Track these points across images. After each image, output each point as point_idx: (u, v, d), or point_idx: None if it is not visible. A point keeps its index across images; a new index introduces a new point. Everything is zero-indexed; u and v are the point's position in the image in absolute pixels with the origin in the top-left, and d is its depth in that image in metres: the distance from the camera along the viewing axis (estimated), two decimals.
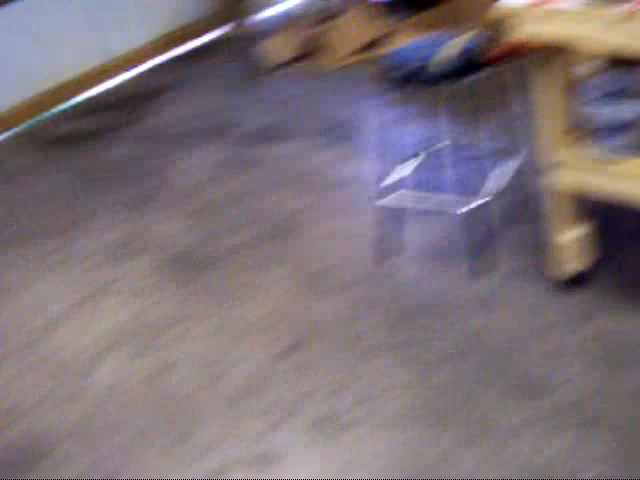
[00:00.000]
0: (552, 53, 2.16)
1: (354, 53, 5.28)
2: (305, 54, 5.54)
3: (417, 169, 3.25)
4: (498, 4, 2.11)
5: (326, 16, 5.51)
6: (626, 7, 1.87)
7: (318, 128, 4.39)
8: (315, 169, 3.92)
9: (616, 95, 2.29)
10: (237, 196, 3.82)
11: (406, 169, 3.08)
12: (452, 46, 2.56)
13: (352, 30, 5.24)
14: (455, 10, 5.02)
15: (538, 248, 2.90)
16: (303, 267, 3.15)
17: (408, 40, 4.59)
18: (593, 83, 2.32)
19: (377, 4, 5.33)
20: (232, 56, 6.02)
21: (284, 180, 3.88)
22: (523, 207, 3.17)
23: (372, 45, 5.29)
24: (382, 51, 4.88)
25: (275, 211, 3.61)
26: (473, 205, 2.72)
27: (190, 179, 4.12)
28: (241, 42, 6.29)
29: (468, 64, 2.53)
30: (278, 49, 5.53)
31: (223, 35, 6.60)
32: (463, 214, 2.76)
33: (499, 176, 2.90)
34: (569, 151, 2.34)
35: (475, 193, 2.73)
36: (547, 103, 2.24)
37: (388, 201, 2.90)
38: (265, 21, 6.70)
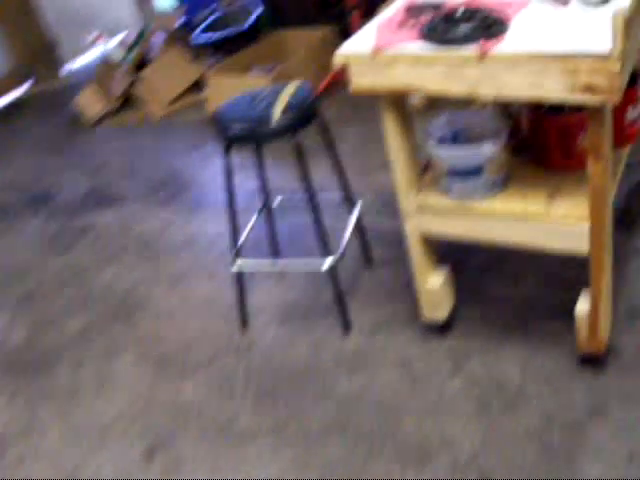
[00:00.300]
0: (399, 97, 2.01)
1: (176, 99, 5.02)
2: (124, 104, 5.22)
3: (261, 225, 3.04)
4: (339, 51, 1.94)
5: (141, 61, 5.21)
6: (480, 47, 1.75)
7: (150, 186, 4.09)
8: (152, 233, 3.62)
9: (462, 137, 2.19)
10: (68, 275, 3.45)
11: (248, 226, 2.86)
12: (281, 100, 2.37)
13: (171, 75, 4.98)
14: (269, 48, 4.91)
15: (402, 294, 2.78)
16: (155, 348, 2.86)
17: (231, 85, 4.40)
18: (436, 124, 2.21)
19: (192, 46, 5.10)
20: (44, 114, 5.59)
21: (120, 250, 3.55)
22: (379, 253, 3.05)
23: (194, 87, 5.05)
24: (205, 94, 4.66)
25: (114, 287, 3.28)
26: (328, 261, 2.54)
27: (12, 261, 3.70)
28: (52, 97, 5.88)
29: (301, 116, 2.34)
30: (94, 102, 5.17)
31: (30, 91, 6.14)
32: (319, 272, 2.58)
33: (346, 226, 2.74)
34: (423, 196, 2.21)
35: (326, 247, 2.55)
36: (398, 148, 2.10)
37: (238, 266, 2.66)
38: (76, 72, 6.31)
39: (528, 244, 2.12)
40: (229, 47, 4.84)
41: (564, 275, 2.65)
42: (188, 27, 5.44)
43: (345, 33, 4.79)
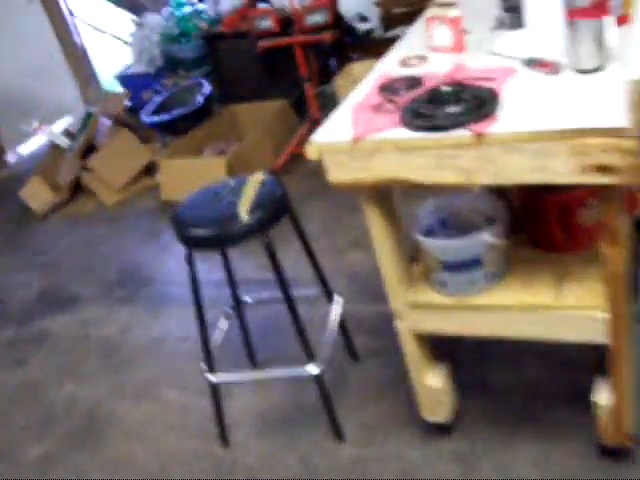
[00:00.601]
0: (383, 189, 1.80)
1: (128, 184, 4.76)
2: (74, 193, 4.94)
3: (232, 323, 2.78)
4: (311, 142, 1.72)
5: (89, 147, 4.96)
6: (473, 129, 1.54)
7: (107, 284, 3.80)
8: (113, 338, 3.33)
9: (452, 224, 1.98)
10: (24, 393, 3.13)
11: (219, 328, 2.60)
12: (246, 196, 2.14)
13: (120, 160, 4.73)
14: (222, 126, 4.72)
15: (394, 390, 2.54)
16: (125, 473, 2.55)
17: (184, 168, 4.18)
18: (422, 212, 2.00)
19: (140, 128, 4.88)
20: None
21: (79, 360, 3.25)
22: (362, 342, 2.81)
23: (146, 171, 4.81)
24: (158, 179, 4.42)
25: (75, 405, 2.97)
26: (313, 369, 2.28)
27: None
28: None
29: (271, 213, 2.11)
30: (42, 193, 4.89)
31: None
32: (306, 377, 2.32)
33: (326, 323, 2.50)
34: (415, 293, 1.98)
35: (308, 351, 2.30)
36: (384, 243, 1.88)
37: (212, 380, 2.39)
38: (20, 161, 6.03)
39: (537, 337, 1.90)
40: (179, 127, 4.63)
41: (567, 354, 2.43)
42: (135, 109, 5.24)
43: (298, 104, 4.63)
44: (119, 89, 5.82)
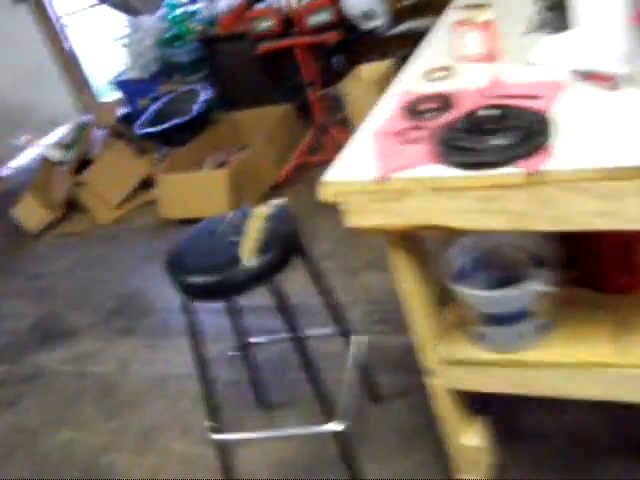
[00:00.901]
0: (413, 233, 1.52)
1: (125, 200, 4.49)
2: (69, 209, 4.67)
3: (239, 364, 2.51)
4: (326, 179, 1.45)
5: (83, 161, 4.68)
6: (525, 166, 1.27)
7: (104, 313, 3.52)
8: (111, 377, 3.06)
9: (490, 265, 1.69)
10: (16, 440, 2.87)
11: (226, 368, 2.34)
12: (250, 233, 1.86)
13: (116, 174, 4.46)
14: (223, 134, 4.44)
15: (423, 437, 2.27)
16: None
17: (183, 183, 3.90)
18: (455, 252, 1.72)
19: (136, 139, 4.60)
20: None
21: (74, 402, 2.98)
22: (385, 380, 2.53)
23: (143, 185, 4.53)
24: (156, 194, 4.15)
25: (71, 456, 2.70)
26: (334, 426, 2.01)
27: None
28: None
29: (279, 256, 1.83)
30: (34, 211, 4.62)
31: None
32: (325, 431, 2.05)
33: (349, 371, 2.22)
34: (449, 347, 1.71)
35: (327, 405, 2.02)
36: (414, 294, 1.60)
37: (218, 438, 2.12)
38: (11, 176, 5.76)
39: (594, 397, 1.62)
40: (176, 138, 4.35)
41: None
42: (130, 119, 4.96)
43: (303, 109, 4.35)
44: (114, 95, 5.55)
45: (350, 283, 3.08)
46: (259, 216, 1.94)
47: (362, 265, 3.18)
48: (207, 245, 1.91)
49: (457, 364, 1.70)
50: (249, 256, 1.80)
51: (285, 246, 1.84)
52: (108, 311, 3.52)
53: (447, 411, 1.82)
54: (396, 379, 2.54)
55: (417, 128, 1.49)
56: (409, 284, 1.58)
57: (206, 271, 1.81)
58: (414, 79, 1.78)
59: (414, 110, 1.58)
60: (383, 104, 1.70)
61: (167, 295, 3.47)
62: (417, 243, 1.57)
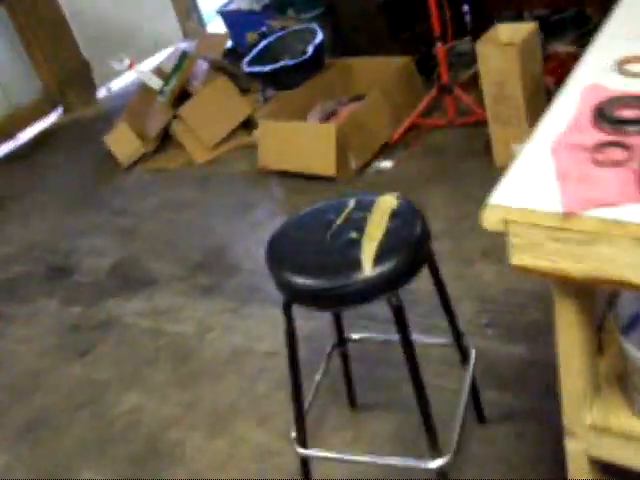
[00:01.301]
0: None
1: (224, 140, 4.22)
2: (163, 143, 4.44)
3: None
4: (494, 201, 1.11)
5: (182, 92, 4.42)
6: None
7: (188, 266, 3.30)
8: (188, 341, 2.84)
9: None
10: (83, 397, 2.70)
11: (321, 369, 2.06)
12: (372, 234, 1.54)
13: (215, 113, 4.18)
14: (333, 81, 4.08)
15: (541, 468, 1.95)
16: None
17: (285, 132, 3.56)
18: (626, 299, 1.36)
19: (241, 76, 4.30)
20: (73, 151, 4.86)
21: (147, 364, 2.78)
22: (493, 398, 2.21)
23: (243, 125, 4.25)
24: (256, 138, 3.86)
25: (136, 425, 2.51)
26: (438, 462, 1.71)
27: (19, 365, 2.97)
28: (83, 129, 5.15)
29: (406, 265, 1.50)
30: (126, 143, 4.41)
31: (59, 121, 5.42)
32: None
33: (462, 404, 1.90)
34: (602, 412, 1.37)
35: (435, 443, 1.71)
36: (573, 349, 1.26)
37: (306, 454, 1.86)
38: (111, 98, 5.57)
39: None
40: (284, 80, 4.02)
41: None
42: (235, 52, 4.65)
43: (422, 66, 3.95)
44: (220, 25, 5.24)
45: (460, 274, 2.74)
46: (383, 210, 1.61)
47: (477, 253, 2.83)
48: (320, 238, 1.59)
49: (607, 433, 1.37)
50: (370, 261, 1.48)
51: (412, 253, 1.52)
52: (192, 264, 3.29)
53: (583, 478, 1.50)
54: (502, 398, 2.23)
55: (619, 145, 1.13)
56: (571, 338, 1.24)
57: (317, 272, 1.50)
58: (603, 71, 1.39)
59: (610, 117, 1.21)
60: (563, 99, 1.33)
61: (256, 255, 3.23)
62: (590, 293, 1.23)
